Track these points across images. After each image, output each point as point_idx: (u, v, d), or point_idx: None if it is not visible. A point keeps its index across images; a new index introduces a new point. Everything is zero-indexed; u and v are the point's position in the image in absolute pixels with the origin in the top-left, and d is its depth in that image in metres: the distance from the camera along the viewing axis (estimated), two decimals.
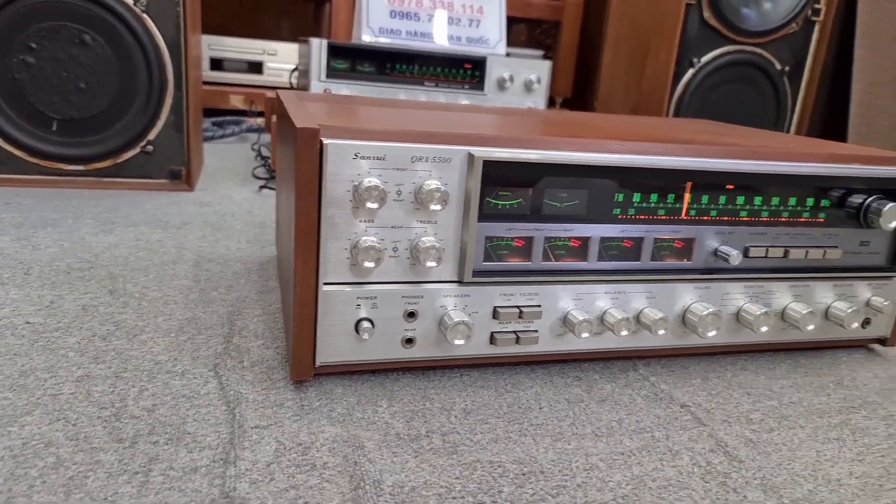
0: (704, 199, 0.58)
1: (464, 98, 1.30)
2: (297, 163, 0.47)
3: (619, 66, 1.51)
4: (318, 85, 1.23)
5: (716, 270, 0.60)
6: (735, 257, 0.58)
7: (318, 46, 1.20)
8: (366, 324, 0.51)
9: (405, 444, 0.46)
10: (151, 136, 1.11)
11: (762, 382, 0.61)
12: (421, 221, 0.51)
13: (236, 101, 1.79)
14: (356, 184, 0.48)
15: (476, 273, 0.53)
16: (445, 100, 1.29)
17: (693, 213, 0.58)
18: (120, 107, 1.09)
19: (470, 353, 0.55)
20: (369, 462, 0.44)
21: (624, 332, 0.56)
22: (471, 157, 0.50)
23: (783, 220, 0.61)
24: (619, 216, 0.56)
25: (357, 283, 0.51)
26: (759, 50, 1.36)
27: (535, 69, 1.31)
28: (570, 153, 0.53)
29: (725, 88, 1.36)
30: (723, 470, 0.47)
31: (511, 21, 2.32)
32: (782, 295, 0.62)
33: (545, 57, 2.02)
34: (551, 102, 2.00)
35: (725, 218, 0.59)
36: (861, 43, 1.37)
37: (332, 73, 1.22)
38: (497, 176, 0.52)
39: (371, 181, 0.48)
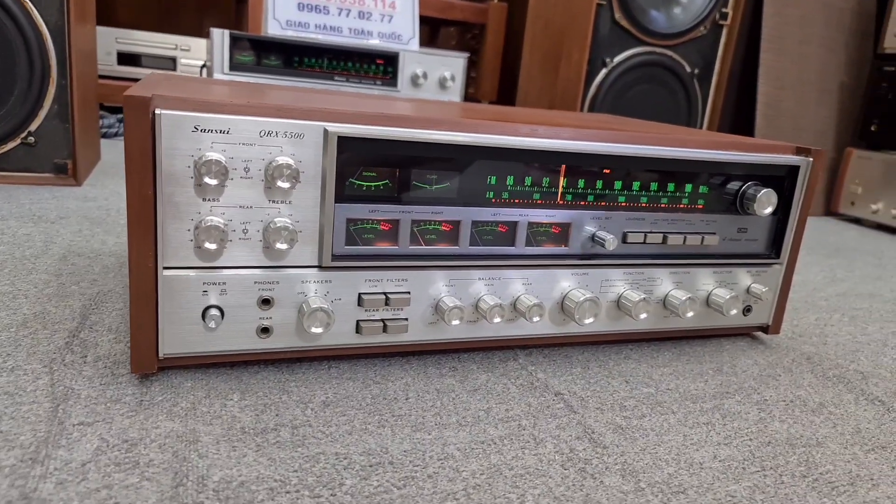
0: (580, 183, 0.57)
1: (376, 93, 1.27)
2: (125, 134, 0.43)
3: (535, 67, 1.51)
4: (221, 76, 1.18)
5: (594, 256, 0.58)
6: (611, 242, 0.57)
7: (220, 37, 1.15)
8: (213, 311, 0.48)
9: (248, 438, 0.43)
10: (33, 126, 1.04)
11: (643, 370, 0.60)
12: (273, 201, 0.48)
13: None
14: (196, 158, 0.45)
15: (337, 257, 0.50)
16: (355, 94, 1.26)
17: (569, 197, 0.57)
18: None
19: (335, 342, 0.52)
20: (199, 457, 0.40)
21: (497, 319, 0.54)
22: (326, 132, 0.47)
23: (662, 206, 0.60)
24: (493, 200, 0.54)
25: (203, 267, 0.47)
26: (669, 52, 1.38)
27: (450, 66, 1.30)
28: (434, 132, 0.51)
29: (638, 89, 1.38)
30: (585, 456, 0.45)
31: (438, 23, 2.32)
32: (663, 282, 0.62)
33: (471, 60, 2.01)
34: (476, 102, 1.99)
35: (602, 203, 0.58)
36: (766, 46, 1.41)
37: (235, 65, 1.18)
38: (357, 154, 0.49)
39: (211, 155, 0.44)
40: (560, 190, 0.56)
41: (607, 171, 0.57)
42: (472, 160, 0.52)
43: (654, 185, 0.59)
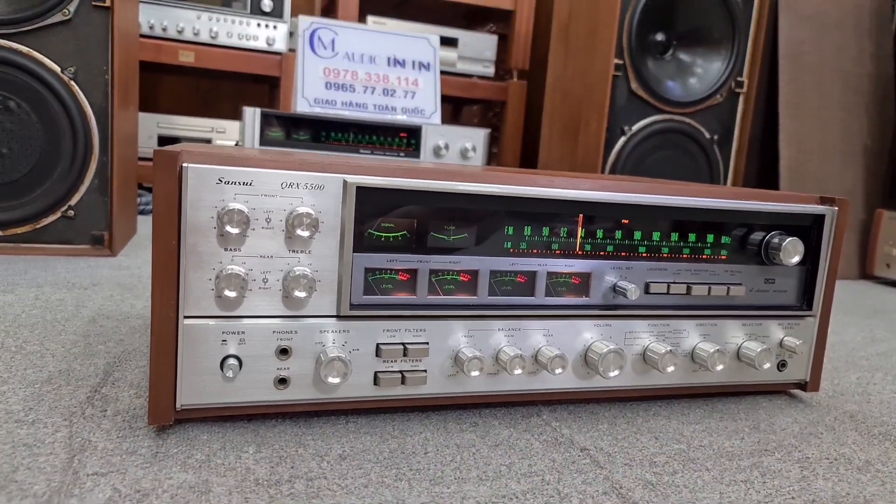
0: (599, 233, 0.57)
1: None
2: (154, 187, 0.44)
3: (554, 137, 1.54)
4: None
5: (616, 307, 0.57)
6: (633, 291, 0.56)
7: (252, 115, 1.20)
8: (232, 361, 0.48)
9: (262, 490, 0.42)
10: (73, 200, 1.08)
11: (673, 427, 0.58)
12: (293, 251, 0.48)
13: None
14: (220, 209, 0.46)
15: (355, 306, 0.50)
16: None
17: (588, 247, 0.56)
18: (42, 171, 1.07)
19: (352, 395, 0.51)
20: None
21: (518, 371, 0.53)
22: (345, 183, 0.48)
23: (684, 256, 0.60)
24: (511, 250, 0.54)
25: (223, 316, 0.47)
26: (687, 119, 1.40)
27: (471, 138, 1.33)
28: (451, 182, 0.51)
29: (658, 155, 1.39)
30: None
31: (461, 102, 2.39)
32: (690, 334, 0.60)
33: (493, 136, 2.06)
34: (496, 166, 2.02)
35: (623, 253, 0.57)
36: (785, 112, 1.42)
37: (266, 141, 1.23)
38: (375, 205, 0.50)
39: (234, 205, 0.46)
40: (578, 240, 0.56)
41: (626, 220, 0.57)
42: (490, 210, 0.53)
43: (675, 236, 0.59)
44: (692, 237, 0.60)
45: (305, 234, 0.47)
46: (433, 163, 1.06)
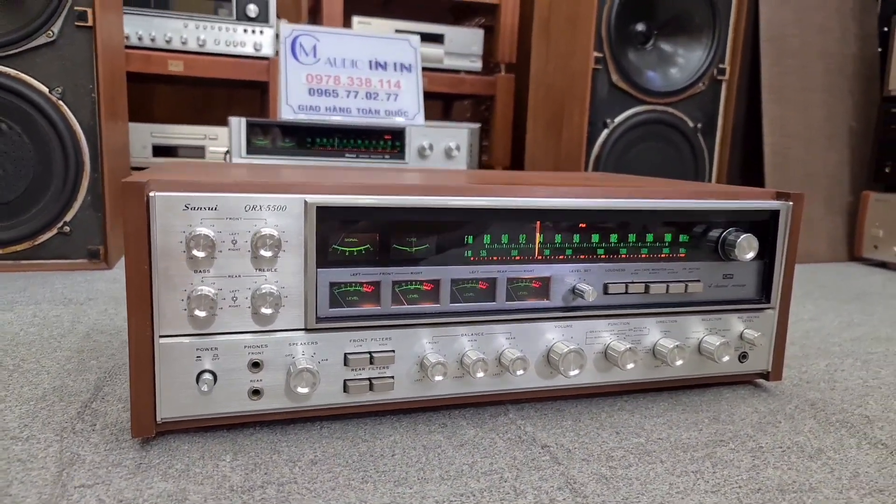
0: (557, 238, 0.59)
1: (385, 167, 1.33)
2: (124, 216, 0.47)
3: (539, 132, 1.56)
4: (240, 161, 1.25)
5: (576, 308, 0.60)
6: (590, 293, 0.58)
7: (238, 125, 1.23)
8: (207, 375, 0.50)
9: (235, 496, 0.45)
10: (68, 217, 1.12)
11: (635, 421, 0.60)
12: (260, 270, 0.51)
13: None
14: (187, 234, 0.49)
15: (321, 319, 0.53)
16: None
17: (547, 252, 0.59)
18: (37, 190, 1.10)
19: (324, 402, 0.54)
20: None
21: (480, 374, 0.56)
22: (305, 203, 0.51)
23: (643, 256, 0.62)
24: (471, 258, 0.57)
25: (196, 334, 0.50)
26: (670, 109, 1.41)
27: (455, 137, 1.35)
28: (407, 197, 0.54)
29: (642, 146, 1.41)
30: None
31: (452, 98, 2.41)
32: (650, 331, 0.63)
33: (484, 130, 2.08)
34: (490, 169, 2.05)
35: (582, 256, 0.60)
36: (768, 97, 1.43)
37: (252, 149, 1.25)
38: (335, 222, 0.52)
39: (200, 230, 0.48)
40: (537, 245, 0.59)
41: (583, 224, 0.60)
42: (449, 221, 0.55)
43: (632, 237, 0.61)
44: (649, 237, 0.62)
45: (269, 254, 0.50)
46: (412, 169, 1.09)
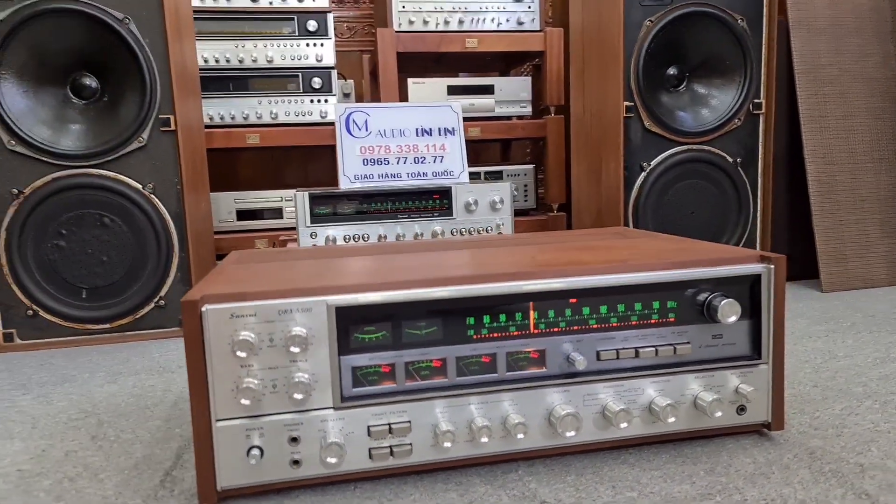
0: (550, 313, 0.67)
1: (436, 224, 1.44)
2: (184, 325, 0.60)
3: (582, 177, 1.63)
4: (305, 230, 1.40)
5: (573, 374, 0.68)
6: (581, 362, 0.66)
7: (302, 198, 1.38)
8: (255, 451, 0.62)
9: None
10: (163, 292, 1.29)
11: (633, 475, 0.67)
12: (293, 361, 0.62)
13: (260, 244, 2.00)
14: (233, 339, 0.61)
15: (346, 398, 0.63)
16: (419, 228, 1.43)
17: (542, 326, 0.67)
18: (136, 271, 1.29)
19: (353, 468, 0.65)
20: None
21: (485, 439, 0.64)
22: (327, 305, 0.62)
23: (633, 323, 0.69)
24: (474, 336, 0.66)
25: (245, 416, 0.62)
26: (706, 147, 1.45)
27: (498, 191, 1.44)
28: (411, 291, 0.64)
29: (682, 185, 1.45)
30: None
31: (509, 142, 2.51)
32: (645, 391, 0.69)
33: (540, 167, 2.17)
34: (548, 208, 2.12)
35: (575, 328, 0.68)
36: (807, 127, 1.43)
37: (315, 218, 1.39)
38: (353, 317, 0.63)
39: (243, 335, 0.60)
40: (532, 321, 0.67)
41: (573, 300, 0.67)
42: (449, 308, 0.65)
43: (621, 307, 0.68)
44: (638, 307, 0.69)
45: (297, 350, 0.61)
46: (443, 244, 1.19)
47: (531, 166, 2.13)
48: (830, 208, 1.44)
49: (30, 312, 1.26)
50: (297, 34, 2.04)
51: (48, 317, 1.26)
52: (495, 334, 0.66)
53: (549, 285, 0.66)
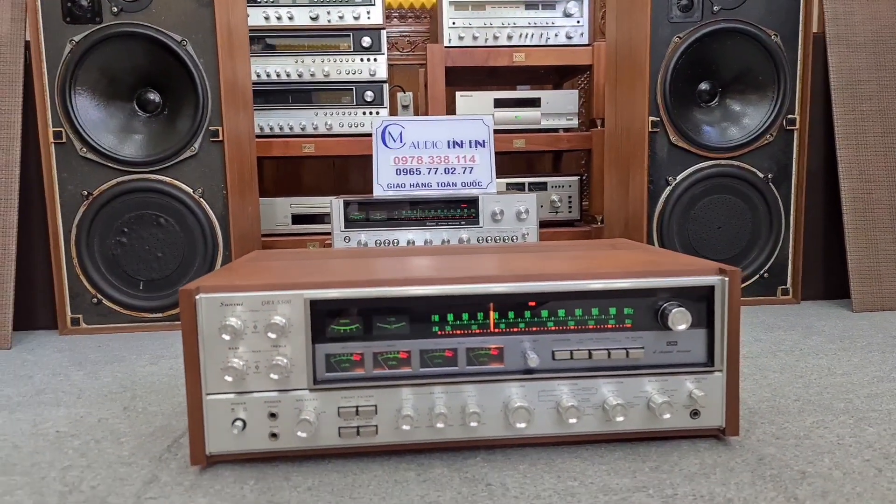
0: (510, 314, 0.73)
1: (463, 231, 1.51)
2: (181, 310, 0.70)
3: (613, 189, 1.65)
4: (339, 234, 1.50)
5: (529, 371, 0.73)
6: (534, 360, 0.72)
7: (337, 204, 1.48)
8: (238, 422, 0.71)
9: None
10: None
11: (581, 468, 0.71)
12: (274, 346, 0.71)
13: (311, 246, 2.12)
14: (221, 324, 0.70)
15: (319, 381, 0.72)
16: (447, 235, 1.50)
17: (502, 325, 0.73)
18: (185, 267, 1.42)
19: (324, 444, 0.73)
20: None
21: (440, 425, 0.71)
22: (303, 298, 0.71)
23: (590, 327, 0.74)
24: (438, 332, 0.73)
25: (231, 392, 0.71)
26: (735, 162, 1.45)
27: (524, 202, 1.50)
28: (382, 289, 0.71)
29: (709, 199, 1.46)
30: None
31: (557, 154, 2.55)
32: (599, 390, 0.74)
33: (582, 180, 2.20)
34: (592, 220, 2.15)
35: (534, 329, 0.73)
36: (843, 144, 1.41)
37: (349, 223, 1.49)
38: (327, 310, 0.71)
39: (230, 321, 0.70)
40: (492, 321, 0.73)
41: (532, 303, 0.73)
42: (415, 305, 0.72)
43: (578, 311, 0.74)
44: (595, 311, 0.74)
45: (274, 336, 0.69)
46: (443, 250, 1.26)
47: (576, 178, 2.16)
48: (865, 226, 1.41)
49: (95, 300, 1.41)
50: (352, 50, 2.16)
51: (110, 305, 1.42)
52: (458, 331, 0.73)
53: (507, 289, 0.72)
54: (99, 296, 1.41)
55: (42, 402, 0.98)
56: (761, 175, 1.46)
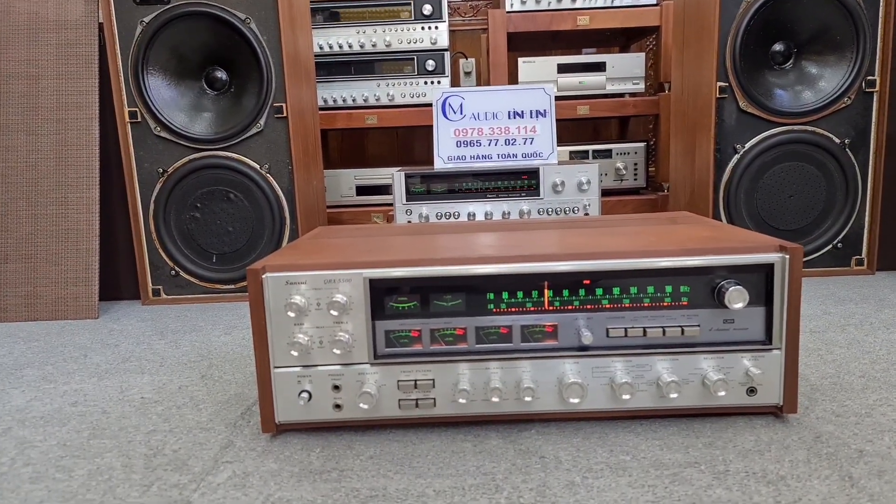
0: (565, 293, 0.74)
1: (524, 203, 1.51)
2: (249, 289, 0.74)
3: (678, 157, 1.61)
4: (401, 206, 1.53)
5: (584, 348, 0.74)
6: (587, 337, 0.73)
7: (399, 177, 1.51)
8: (304, 394, 0.75)
9: (311, 476, 0.69)
10: None
11: (634, 442, 0.73)
12: (337, 322, 0.75)
13: (376, 218, 2.17)
14: (287, 301, 0.74)
15: (379, 356, 0.75)
16: (507, 207, 1.51)
17: (557, 303, 0.74)
18: (255, 240, 1.49)
19: (385, 415, 0.76)
20: (276, 485, 0.67)
21: (496, 399, 0.73)
22: (362, 277, 0.74)
23: (645, 305, 0.74)
24: (494, 310, 0.75)
25: (297, 366, 0.76)
26: (809, 127, 1.39)
27: (585, 172, 1.48)
28: (438, 268, 0.74)
29: (780, 167, 1.40)
30: (524, 503, 0.62)
31: (624, 120, 2.49)
32: (653, 367, 0.74)
33: (649, 147, 2.15)
34: (658, 188, 2.11)
35: (588, 307, 0.74)
36: None
37: (411, 196, 1.52)
38: (385, 288, 0.74)
39: (294, 299, 0.73)
40: (546, 299, 0.74)
41: (587, 281, 0.74)
42: (471, 284, 0.74)
43: (633, 289, 0.74)
44: (650, 289, 0.74)
45: (336, 313, 0.73)
46: (506, 225, 1.27)
47: (642, 144, 2.12)
48: None
49: (173, 273, 1.50)
50: (412, 18, 2.16)
51: (187, 277, 1.50)
52: (513, 309, 0.75)
53: (561, 268, 0.73)
54: (177, 268, 1.50)
55: (128, 370, 1.06)
56: (837, 140, 1.39)
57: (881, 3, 1.35)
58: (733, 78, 1.39)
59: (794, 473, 0.64)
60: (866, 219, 1.44)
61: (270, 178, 1.46)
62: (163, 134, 1.45)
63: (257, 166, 1.46)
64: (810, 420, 0.76)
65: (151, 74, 1.43)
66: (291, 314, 0.73)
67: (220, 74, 1.49)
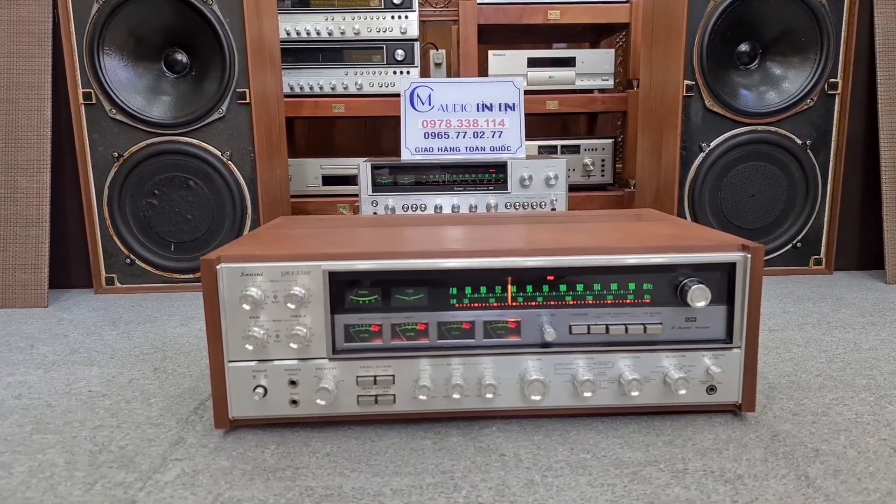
0: (528, 288, 0.73)
1: (491, 197, 1.50)
2: (203, 279, 0.71)
3: (645, 154, 1.62)
4: (367, 198, 1.50)
5: (546, 345, 0.73)
6: (550, 334, 0.72)
7: (365, 167, 1.48)
8: (259, 389, 0.73)
9: (265, 473, 0.67)
10: None
11: (595, 440, 0.72)
12: (294, 316, 0.73)
13: (342, 209, 2.14)
14: (242, 293, 0.71)
15: (338, 351, 0.73)
16: (474, 200, 1.50)
17: (520, 299, 0.73)
18: (215, 229, 1.45)
19: (343, 411, 0.74)
20: (226, 483, 0.65)
21: (456, 395, 0.72)
22: (321, 269, 0.71)
23: (608, 302, 0.73)
24: (456, 305, 0.73)
25: (252, 360, 0.73)
26: (772, 128, 1.40)
27: (553, 167, 1.48)
28: (398, 261, 0.72)
29: (743, 167, 1.42)
30: (482, 502, 0.61)
31: (592, 116, 2.49)
32: (615, 365, 0.74)
33: (616, 143, 2.16)
34: (625, 184, 2.12)
35: (551, 303, 0.73)
36: (885, 110, 1.35)
37: (377, 187, 1.50)
38: (345, 281, 0.72)
39: (250, 291, 0.71)
40: (510, 294, 0.73)
41: (550, 277, 0.73)
42: (433, 278, 0.72)
43: (597, 286, 0.73)
44: (613, 286, 0.73)
45: (293, 306, 0.71)
46: (470, 218, 1.25)
47: (610, 141, 2.12)
48: None
49: (128, 260, 1.45)
50: (382, 6, 2.13)
51: (143, 265, 1.46)
52: (476, 304, 0.73)
53: (524, 263, 0.72)
54: (132, 256, 1.45)
55: (76, 362, 1.02)
56: (799, 141, 1.41)
57: (845, 6, 1.37)
58: (700, 77, 1.39)
59: (751, 472, 0.64)
60: (825, 219, 1.47)
61: (232, 166, 1.42)
62: (118, 117, 1.40)
63: (218, 153, 1.42)
64: (768, 418, 0.76)
65: (108, 54, 1.38)
66: (247, 307, 0.71)
67: (181, 57, 1.44)
